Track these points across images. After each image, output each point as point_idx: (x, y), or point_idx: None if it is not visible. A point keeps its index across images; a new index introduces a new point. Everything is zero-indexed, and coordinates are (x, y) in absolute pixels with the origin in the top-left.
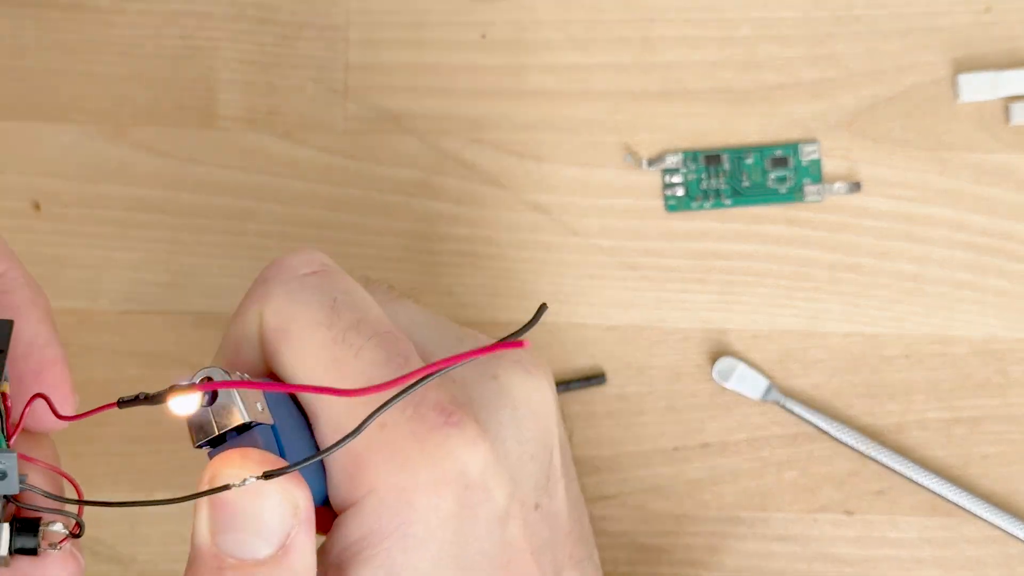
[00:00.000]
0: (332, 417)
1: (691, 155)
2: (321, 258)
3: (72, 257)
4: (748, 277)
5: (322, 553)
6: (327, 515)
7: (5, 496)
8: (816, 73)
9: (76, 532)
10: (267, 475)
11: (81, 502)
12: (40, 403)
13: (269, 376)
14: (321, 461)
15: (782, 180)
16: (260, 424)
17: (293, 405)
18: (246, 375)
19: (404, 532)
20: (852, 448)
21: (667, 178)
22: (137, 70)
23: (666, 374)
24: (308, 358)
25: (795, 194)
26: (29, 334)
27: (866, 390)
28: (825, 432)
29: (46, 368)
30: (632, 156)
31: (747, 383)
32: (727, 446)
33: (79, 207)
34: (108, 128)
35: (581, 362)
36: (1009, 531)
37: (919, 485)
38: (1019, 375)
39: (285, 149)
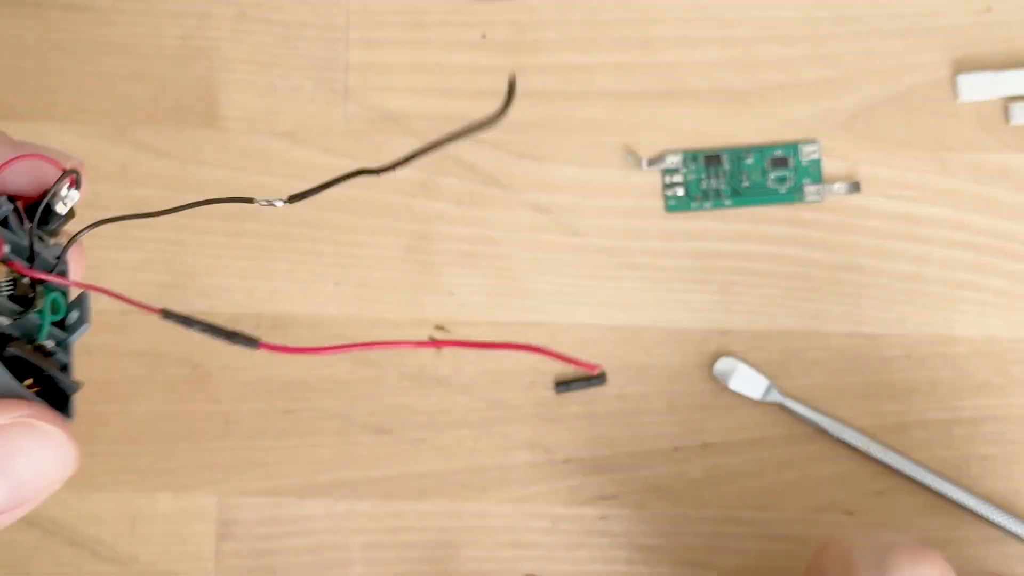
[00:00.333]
0: None
1: (691, 155)
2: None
3: None
4: (748, 277)
5: None
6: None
7: None
8: (816, 73)
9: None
10: None
11: None
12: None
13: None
14: None
15: (782, 180)
16: None
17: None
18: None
19: None
20: (852, 448)
21: (667, 178)
22: (137, 70)
23: (666, 374)
24: None
25: (795, 194)
26: None
27: (866, 390)
28: (825, 432)
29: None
30: (632, 156)
31: (747, 383)
32: (727, 446)
33: (79, 207)
34: (109, 128)
35: None
36: (1009, 531)
37: (919, 485)
38: (1019, 375)
39: (285, 149)
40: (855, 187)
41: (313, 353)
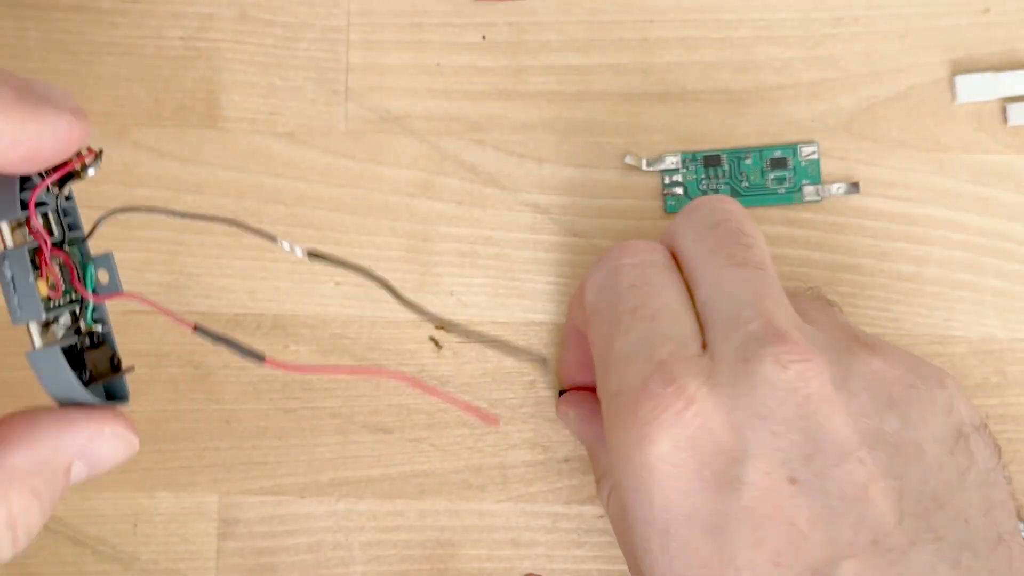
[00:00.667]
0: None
1: (690, 156)
2: (645, 253)
3: None
4: None
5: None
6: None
7: None
8: (815, 74)
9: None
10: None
11: None
12: None
13: None
14: None
15: (781, 181)
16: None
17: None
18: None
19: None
20: None
21: (666, 179)
22: (139, 71)
23: None
24: (593, 331)
25: (794, 195)
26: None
27: None
28: None
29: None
30: (632, 156)
31: None
32: None
33: (80, 207)
34: (110, 129)
35: None
36: None
37: None
38: (1017, 375)
39: (286, 150)
40: (854, 187)
41: (315, 372)
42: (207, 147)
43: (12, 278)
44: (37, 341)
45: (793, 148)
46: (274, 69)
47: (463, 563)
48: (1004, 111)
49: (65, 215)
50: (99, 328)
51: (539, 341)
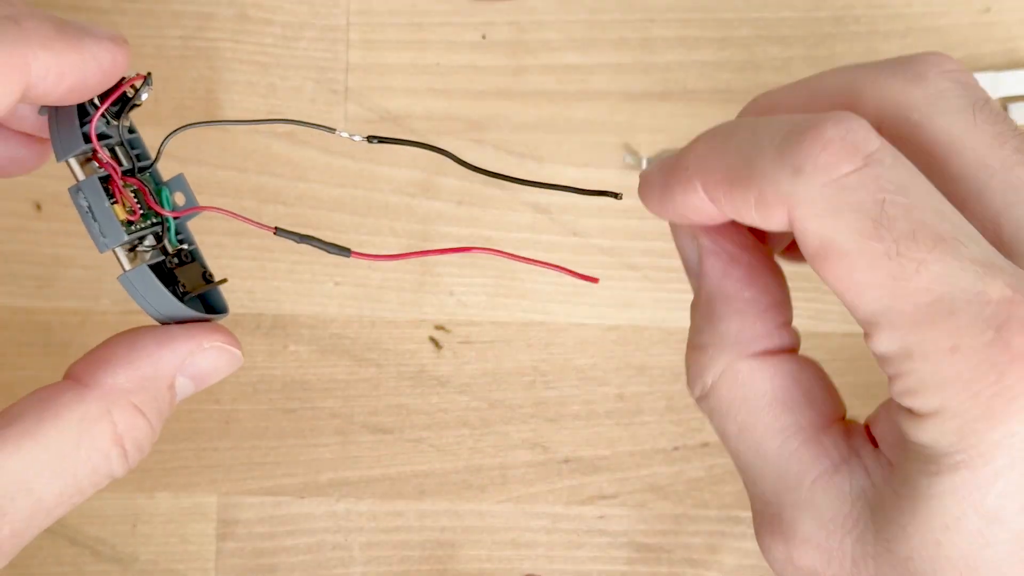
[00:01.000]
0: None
1: None
2: (863, 144)
3: (73, 257)
4: None
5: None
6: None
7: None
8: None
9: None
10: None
11: None
12: None
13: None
14: None
15: None
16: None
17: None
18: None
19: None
20: None
21: None
22: (138, 70)
23: (666, 374)
24: (859, 278)
25: None
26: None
27: (866, 390)
28: None
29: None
30: (632, 156)
31: None
32: None
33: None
34: None
35: (581, 362)
36: None
37: None
38: None
39: (286, 149)
40: None
41: (400, 259)
42: (207, 147)
43: (89, 207)
44: (126, 264)
45: None
46: (273, 69)
47: (463, 564)
48: (1005, 111)
49: (132, 148)
50: (185, 247)
51: (539, 341)
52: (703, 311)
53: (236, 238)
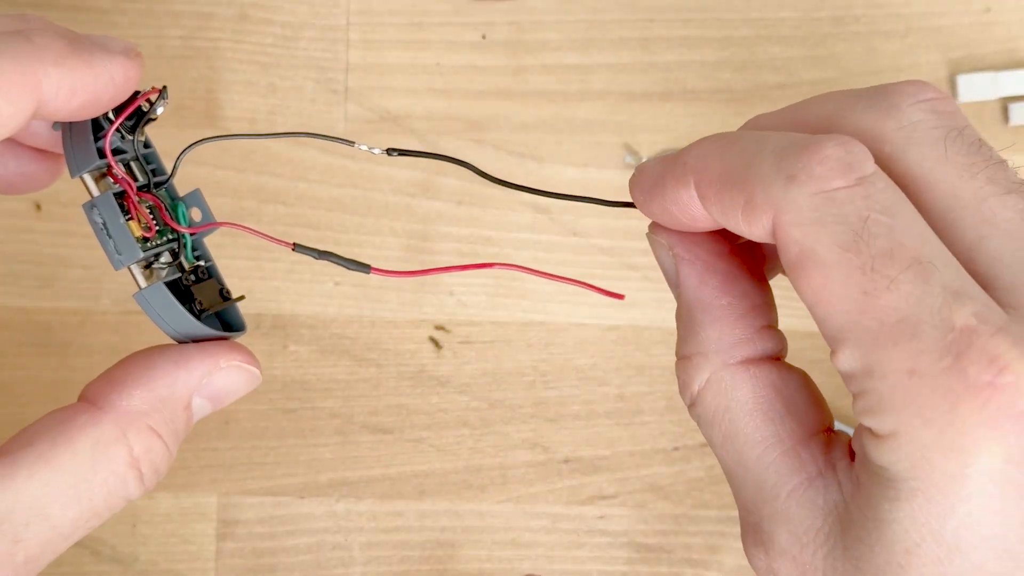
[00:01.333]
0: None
1: None
2: (859, 166)
3: (73, 257)
4: None
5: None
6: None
7: None
8: (816, 73)
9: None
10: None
11: None
12: None
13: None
14: None
15: None
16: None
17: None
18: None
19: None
20: None
21: None
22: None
23: (666, 374)
24: (832, 290)
25: None
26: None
27: None
28: None
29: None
30: (632, 156)
31: None
32: None
33: (79, 207)
34: None
35: (581, 362)
36: None
37: None
38: None
39: (286, 149)
40: None
41: (421, 275)
42: (206, 146)
43: (104, 224)
44: (142, 282)
45: None
46: (273, 68)
47: (463, 564)
48: (1005, 111)
49: (148, 163)
50: (202, 264)
51: (539, 341)
52: (684, 321)
53: (235, 238)
